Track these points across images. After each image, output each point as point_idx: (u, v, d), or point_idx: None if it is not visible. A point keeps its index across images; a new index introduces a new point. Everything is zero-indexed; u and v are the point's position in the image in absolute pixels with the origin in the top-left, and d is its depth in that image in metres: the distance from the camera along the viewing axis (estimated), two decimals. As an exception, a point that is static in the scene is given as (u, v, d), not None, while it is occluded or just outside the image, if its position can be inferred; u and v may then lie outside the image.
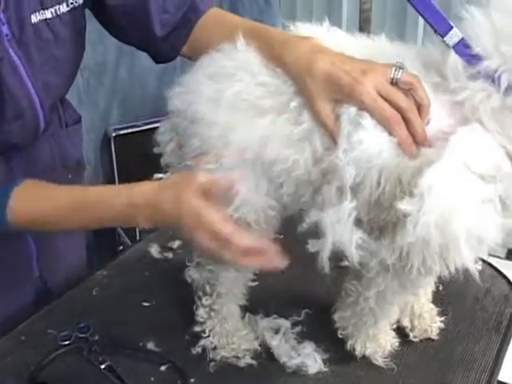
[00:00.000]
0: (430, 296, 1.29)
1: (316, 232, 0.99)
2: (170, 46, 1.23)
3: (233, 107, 1.06)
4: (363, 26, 2.47)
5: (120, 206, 1.04)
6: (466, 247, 0.89)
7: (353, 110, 1.00)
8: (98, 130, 2.53)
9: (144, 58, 1.66)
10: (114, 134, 2.52)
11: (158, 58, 1.28)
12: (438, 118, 0.99)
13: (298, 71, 1.03)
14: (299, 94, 1.04)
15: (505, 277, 1.47)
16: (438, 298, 1.33)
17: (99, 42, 2.37)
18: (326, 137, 1.03)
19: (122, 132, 2.53)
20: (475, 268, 0.93)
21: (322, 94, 1.01)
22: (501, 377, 1.22)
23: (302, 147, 1.04)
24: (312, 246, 0.99)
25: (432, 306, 1.29)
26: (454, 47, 0.99)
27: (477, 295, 1.39)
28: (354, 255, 0.97)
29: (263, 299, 1.30)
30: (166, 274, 1.44)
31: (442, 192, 0.89)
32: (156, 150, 1.18)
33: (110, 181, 2.55)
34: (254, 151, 1.06)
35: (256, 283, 1.24)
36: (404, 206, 0.91)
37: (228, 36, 1.11)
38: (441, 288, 1.36)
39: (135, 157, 2.38)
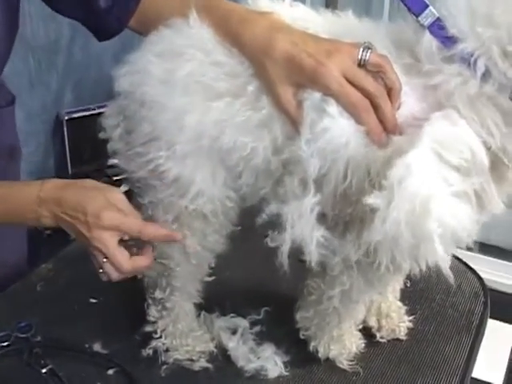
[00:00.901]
0: (397, 294, 1.23)
1: (276, 224, 0.93)
2: (115, 18, 1.14)
3: (185, 89, 0.99)
4: (329, 2, 2.39)
5: (27, 199, 1.01)
6: (440, 246, 0.83)
7: (317, 95, 0.93)
8: (50, 113, 2.43)
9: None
10: (66, 118, 2.43)
11: (102, 33, 1.18)
12: (410, 102, 0.93)
13: (256, 52, 0.96)
14: (257, 76, 0.97)
15: (475, 272, 1.42)
16: (405, 296, 1.28)
17: (51, 18, 2.27)
18: (287, 125, 0.96)
19: (74, 115, 2.44)
20: (447, 265, 0.86)
21: (282, 77, 0.94)
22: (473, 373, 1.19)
23: (261, 134, 0.97)
24: (271, 239, 0.93)
25: (400, 304, 1.24)
26: (428, 28, 0.91)
27: (446, 292, 1.34)
28: (313, 254, 0.91)
29: (219, 296, 1.24)
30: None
31: (413, 185, 0.82)
32: (102, 136, 1.09)
33: (62, 167, 2.46)
34: (210, 137, 0.99)
35: (212, 278, 1.18)
36: (372, 200, 0.84)
37: (180, 10, 1.03)
38: (408, 285, 1.30)
39: (88, 141, 2.30)
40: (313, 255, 0.91)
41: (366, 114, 0.91)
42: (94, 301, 1.29)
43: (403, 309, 1.24)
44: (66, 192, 1.02)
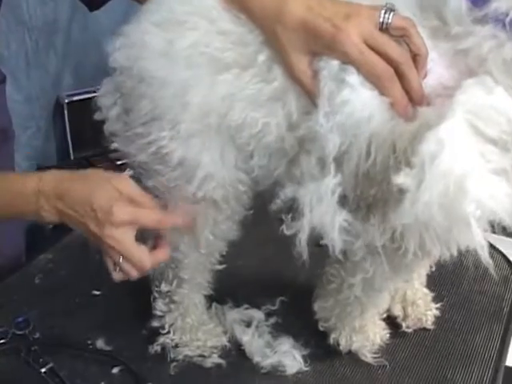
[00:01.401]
0: (423, 280, 1.15)
1: (292, 210, 0.85)
2: None
3: (189, 61, 0.90)
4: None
5: (24, 192, 0.94)
6: (478, 230, 0.74)
7: (335, 64, 0.84)
8: (50, 96, 2.35)
9: (100, 15, 1.50)
10: (66, 101, 2.34)
11: (94, 2, 1.09)
12: (438, 70, 0.84)
13: (266, 18, 0.88)
14: (269, 45, 0.89)
15: (503, 255, 1.34)
16: (430, 282, 1.20)
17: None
18: (303, 97, 0.88)
19: (75, 98, 2.35)
20: (486, 252, 0.78)
21: (296, 45, 0.86)
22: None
23: (274, 109, 0.89)
24: (288, 227, 0.85)
25: (426, 290, 1.16)
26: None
27: (474, 277, 1.26)
28: (336, 241, 0.82)
29: (232, 286, 1.16)
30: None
31: (446, 162, 0.74)
32: (98, 116, 1.01)
33: (63, 151, 2.38)
34: (218, 113, 0.91)
35: (223, 267, 1.10)
36: (401, 179, 0.76)
37: None
38: (433, 269, 1.21)
39: (90, 125, 2.20)
40: (336, 242, 0.83)
41: (390, 83, 0.82)
42: (97, 293, 1.22)
43: (430, 296, 1.16)
44: (70, 184, 0.95)
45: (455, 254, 0.82)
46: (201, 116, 0.91)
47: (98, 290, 1.22)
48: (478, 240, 0.75)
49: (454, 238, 0.78)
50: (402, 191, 0.76)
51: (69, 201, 0.93)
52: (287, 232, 0.84)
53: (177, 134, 0.92)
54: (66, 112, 2.34)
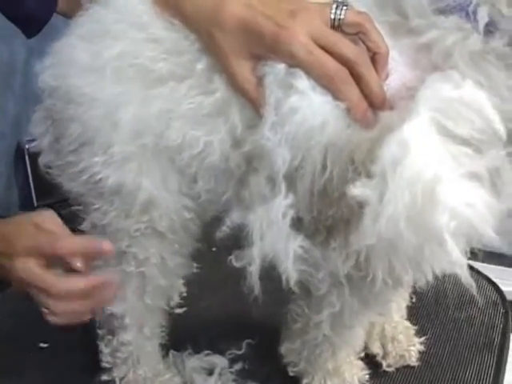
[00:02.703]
0: (404, 312, 1.03)
1: (240, 238, 0.74)
2: (38, 2, 0.95)
3: (117, 75, 0.80)
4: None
5: None
6: (454, 245, 0.63)
7: (281, 67, 0.74)
8: (9, 140, 2.22)
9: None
10: (27, 146, 2.22)
11: (28, 24, 0.99)
12: (400, 69, 0.74)
13: (202, 20, 0.77)
14: (207, 52, 0.78)
15: (489, 280, 1.22)
16: (411, 314, 1.08)
17: (3, 39, 2.08)
18: (248, 109, 0.77)
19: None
20: (466, 270, 0.66)
21: (236, 49, 0.75)
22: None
23: (216, 125, 0.78)
24: (236, 258, 0.74)
25: (408, 324, 1.04)
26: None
27: (459, 305, 1.14)
28: (291, 271, 0.70)
29: (190, 330, 1.05)
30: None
31: (412, 167, 0.63)
32: (32, 149, 0.94)
33: (26, 198, 2.25)
34: (153, 133, 0.80)
35: (182, 310, 1.02)
36: (358, 190, 0.64)
37: None
38: (414, 299, 1.10)
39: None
40: (291, 273, 0.71)
41: (345, 85, 0.72)
42: (44, 345, 1.09)
43: (412, 329, 1.04)
44: None
45: (431, 279, 0.70)
46: (134, 136, 0.80)
47: (45, 343, 1.09)
48: (455, 257, 0.63)
49: (426, 258, 0.66)
50: (360, 205, 0.64)
51: None
52: (236, 264, 0.73)
53: (110, 159, 0.81)
54: (27, 157, 2.22)
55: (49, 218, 0.86)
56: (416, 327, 1.05)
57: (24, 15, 1.00)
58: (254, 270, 0.71)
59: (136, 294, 0.90)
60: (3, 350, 1.07)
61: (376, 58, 0.73)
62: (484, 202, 0.64)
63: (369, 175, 0.65)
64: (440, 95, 0.66)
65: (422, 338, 1.04)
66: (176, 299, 1.05)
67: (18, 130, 2.27)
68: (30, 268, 0.82)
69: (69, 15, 0.94)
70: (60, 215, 0.90)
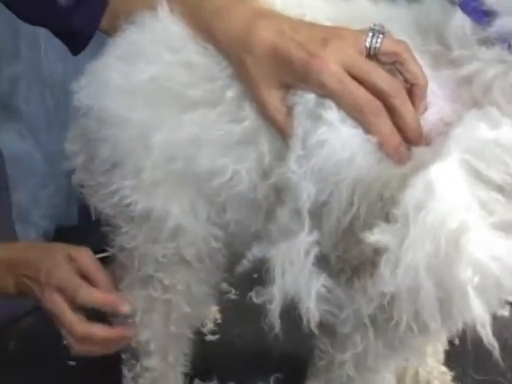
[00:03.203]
0: (440, 356, 0.97)
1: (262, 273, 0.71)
2: (84, 18, 0.95)
3: (149, 98, 0.79)
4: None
5: None
6: (477, 301, 0.58)
7: (310, 97, 0.71)
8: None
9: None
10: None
11: (73, 40, 0.99)
12: (439, 102, 0.70)
13: (233, 46, 0.75)
14: (238, 78, 0.76)
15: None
16: (451, 356, 1.02)
17: (70, 55, 2.12)
18: (277, 139, 0.75)
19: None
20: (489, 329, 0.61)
21: (266, 77, 0.73)
22: None
23: (244, 153, 0.76)
24: (257, 294, 0.71)
25: (444, 369, 0.99)
26: (459, 3, 0.68)
27: (504, 347, 1.07)
28: (312, 311, 0.67)
29: (219, 359, 1.03)
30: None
31: (436, 213, 0.59)
32: (66, 166, 0.92)
33: (85, 210, 2.26)
34: (184, 159, 0.79)
35: (208, 338, 0.99)
36: (376, 236, 0.60)
37: (152, 2, 0.83)
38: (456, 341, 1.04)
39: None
40: (312, 313, 0.68)
41: (377, 118, 0.69)
42: (72, 363, 1.09)
43: (449, 375, 0.99)
44: (26, 252, 0.92)
45: (461, 327, 0.66)
46: (164, 162, 0.79)
47: (73, 361, 1.08)
48: (478, 314, 0.59)
49: (455, 309, 0.62)
50: (378, 252, 0.61)
51: (21, 266, 0.89)
52: (256, 300, 0.71)
53: (140, 183, 0.80)
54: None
55: (85, 256, 0.89)
56: (453, 373, 1.00)
57: (70, 31, 1.00)
58: (274, 308, 0.69)
59: (161, 321, 0.89)
60: (33, 366, 1.09)
61: (413, 90, 0.70)
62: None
63: (388, 218, 0.62)
64: (474, 135, 0.62)
65: (461, 385, 0.99)
66: (210, 326, 1.03)
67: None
68: (56, 302, 0.86)
69: (110, 33, 0.94)
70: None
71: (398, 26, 0.73)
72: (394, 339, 0.75)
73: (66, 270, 0.86)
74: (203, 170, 0.78)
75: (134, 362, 0.92)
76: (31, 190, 2.00)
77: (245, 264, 0.73)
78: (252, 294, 0.71)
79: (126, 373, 0.94)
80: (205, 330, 1.07)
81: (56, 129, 2.19)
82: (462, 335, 0.93)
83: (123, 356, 0.94)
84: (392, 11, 0.77)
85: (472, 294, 0.59)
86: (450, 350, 1.01)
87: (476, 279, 0.59)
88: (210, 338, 1.01)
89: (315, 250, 0.69)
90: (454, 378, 1.00)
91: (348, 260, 0.71)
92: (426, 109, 0.70)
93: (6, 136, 1.91)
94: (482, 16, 0.67)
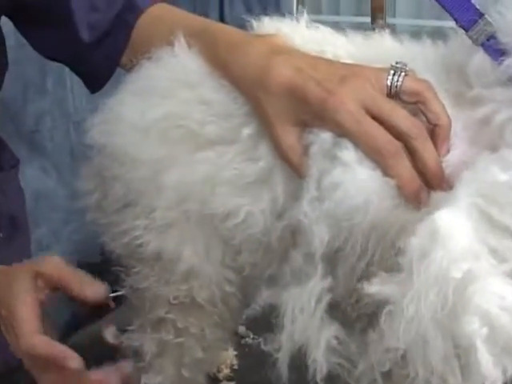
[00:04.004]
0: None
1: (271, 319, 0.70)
2: (105, 55, 0.97)
3: (163, 136, 0.79)
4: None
5: None
6: (486, 356, 0.56)
7: (327, 137, 0.70)
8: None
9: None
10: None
11: (93, 78, 1.00)
12: (461, 145, 0.69)
13: (250, 83, 0.75)
14: (255, 116, 0.76)
15: None
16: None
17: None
18: (292, 179, 0.74)
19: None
20: (500, 380, 0.59)
21: (282, 115, 0.73)
22: None
23: (259, 194, 0.75)
24: (265, 341, 0.70)
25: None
26: (482, 41, 0.68)
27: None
28: (320, 364, 0.65)
29: None
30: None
31: (440, 262, 0.57)
32: (79, 205, 0.91)
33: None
34: (198, 199, 0.78)
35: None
36: (374, 288, 0.59)
37: (169, 36, 0.83)
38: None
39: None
40: (319, 365, 0.66)
41: (396, 160, 0.67)
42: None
43: None
44: None
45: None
46: (178, 202, 0.79)
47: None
48: (486, 370, 0.57)
49: (455, 368, 0.60)
50: (378, 304, 0.59)
51: None
52: (264, 347, 0.69)
53: (152, 224, 0.80)
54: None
55: (52, 268, 0.83)
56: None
57: (88, 70, 1.00)
58: (282, 357, 0.67)
59: (173, 366, 0.87)
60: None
61: (436, 131, 0.69)
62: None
63: (391, 267, 0.60)
64: (486, 178, 0.61)
65: None
66: (226, 371, 1.01)
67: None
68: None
69: (129, 69, 0.94)
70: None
71: (423, 65, 0.73)
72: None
73: (23, 305, 0.79)
74: (218, 211, 0.77)
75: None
76: (54, 226, 2.01)
77: (255, 309, 0.71)
78: (260, 340, 0.70)
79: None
80: (220, 376, 1.05)
81: (80, 166, 2.21)
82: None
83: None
84: (417, 49, 0.76)
85: (481, 347, 0.57)
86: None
87: (484, 331, 0.57)
88: (225, 384, 0.98)
89: (328, 297, 0.67)
90: None
91: (362, 308, 0.69)
92: (448, 151, 0.69)
93: (30, 172, 1.93)
94: (498, 55, 0.66)
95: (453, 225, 0.58)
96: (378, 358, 0.66)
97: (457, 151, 0.69)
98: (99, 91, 1.04)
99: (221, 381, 1.03)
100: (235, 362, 1.08)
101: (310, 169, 0.69)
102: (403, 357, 0.62)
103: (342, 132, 0.69)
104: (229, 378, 1.04)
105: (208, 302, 0.82)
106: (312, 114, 0.71)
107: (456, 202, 0.60)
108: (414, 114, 0.70)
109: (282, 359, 0.67)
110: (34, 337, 0.78)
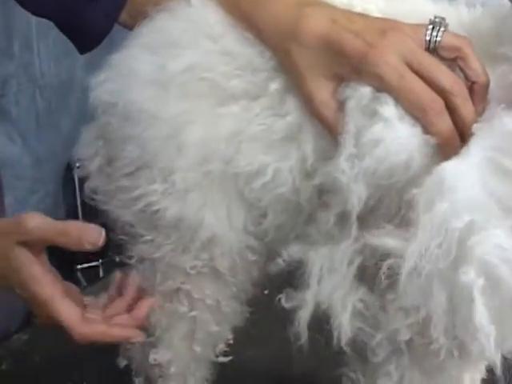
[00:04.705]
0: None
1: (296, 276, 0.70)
2: (102, 11, 0.92)
3: (184, 90, 0.76)
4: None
5: None
6: (483, 309, 0.57)
7: (366, 91, 0.69)
8: (60, 159, 2.23)
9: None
10: (78, 165, 2.22)
11: (86, 36, 0.96)
12: (494, 104, 0.68)
13: (279, 35, 0.74)
14: (282, 70, 0.74)
15: None
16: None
17: (63, 56, 2.09)
18: (323, 136, 0.72)
19: (87, 160, 2.24)
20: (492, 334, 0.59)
21: (315, 68, 0.71)
22: None
23: (287, 151, 0.74)
24: (287, 298, 0.69)
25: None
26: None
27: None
28: (345, 327, 0.65)
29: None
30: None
31: (443, 212, 0.58)
32: (79, 173, 0.89)
33: (72, 217, 2.25)
34: (221, 158, 0.76)
35: (226, 359, 0.94)
36: (378, 240, 0.61)
37: None
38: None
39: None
40: (344, 329, 0.66)
41: (440, 118, 0.67)
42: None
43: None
44: None
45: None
46: (200, 162, 0.76)
47: (72, 381, 1.04)
48: (481, 323, 0.57)
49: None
50: (382, 257, 0.60)
51: None
52: (286, 304, 0.69)
53: (171, 187, 0.77)
54: (76, 177, 2.22)
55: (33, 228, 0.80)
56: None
57: (82, 28, 0.96)
58: (304, 317, 0.67)
59: (185, 341, 0.85)
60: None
61: (474, 89, 0.69)
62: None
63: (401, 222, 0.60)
64: (499, 130, 0.61)
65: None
66: (221, 347, 0.98)
67: (70, 148, 2.27)
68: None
69: (130, 26, 0.91)
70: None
71: (457, 24, 0.72)
72: (432, 368, 0.72)
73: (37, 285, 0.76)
74: (244, 171, 0.75)
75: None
76: (20, 195, 1.97)
77: (279, 263, 0.70)
78: (281, 296, 0.69)
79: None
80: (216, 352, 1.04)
81: (46, 133, 2.17)
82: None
83: (135, 380, 0.90)
84: (451, 9, 0.75)
85: (478, 298, 0.57)
86: (488, 378, 0.99)
87: (481, 282, 0.57)
88: (221, 359, 0.95)
89: (359, 260, 0.66)
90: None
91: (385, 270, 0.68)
92: (484, 110, 0.69)
93: (-6, 138, 1.89)
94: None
95: (459, 177, 0.59)
96: (399, 324, 0.65)
97: (490, 111, 0.69)
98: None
99: (217, 357, 1.01)
100: (230, 336, 1.07)
101: (346, 125, 0.69)
102: (424, 321, 0.62)
103: (382, 86, 0.68)
104: (225, 354, 1.03)
105: (229, 272, 0.81)
106: (349, 67, 0.70)
107: (468, 155, 0.60)
108: (451, 68, 0.69)
109: (304, 318, 0.67)
110: (82, 327, 0.75)
